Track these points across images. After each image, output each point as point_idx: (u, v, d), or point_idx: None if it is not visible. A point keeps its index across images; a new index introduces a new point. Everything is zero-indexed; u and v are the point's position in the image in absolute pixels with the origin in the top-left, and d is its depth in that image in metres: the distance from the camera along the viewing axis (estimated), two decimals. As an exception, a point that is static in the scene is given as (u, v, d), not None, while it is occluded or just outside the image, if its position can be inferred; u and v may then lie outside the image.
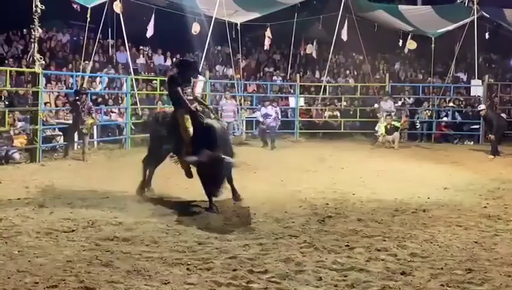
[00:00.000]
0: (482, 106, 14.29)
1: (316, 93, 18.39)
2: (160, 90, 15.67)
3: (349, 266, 4.51)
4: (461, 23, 18.27)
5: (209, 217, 6.27)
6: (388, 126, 15.03)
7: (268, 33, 18.32)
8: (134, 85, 14.86)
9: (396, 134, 14.95)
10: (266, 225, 5.96)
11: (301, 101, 17.94)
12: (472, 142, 16.41)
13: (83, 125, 11.35)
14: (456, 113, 17.56)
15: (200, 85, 16.78)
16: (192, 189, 7.83)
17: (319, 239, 5.33)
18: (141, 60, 18.33)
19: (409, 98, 18.25)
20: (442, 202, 7.39)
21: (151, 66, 18.57)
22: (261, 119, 14.81)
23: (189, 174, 7.05)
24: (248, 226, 5.88)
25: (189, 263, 4.54)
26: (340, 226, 5.92)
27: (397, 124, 15.15)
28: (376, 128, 15.68)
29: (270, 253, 4.85)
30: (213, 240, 5.27)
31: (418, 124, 17.47)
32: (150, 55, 18.99)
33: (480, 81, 17.77)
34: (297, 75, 18.58)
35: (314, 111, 17.99)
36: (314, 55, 19.92)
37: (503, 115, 15.65)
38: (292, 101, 17.93)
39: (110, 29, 17.29)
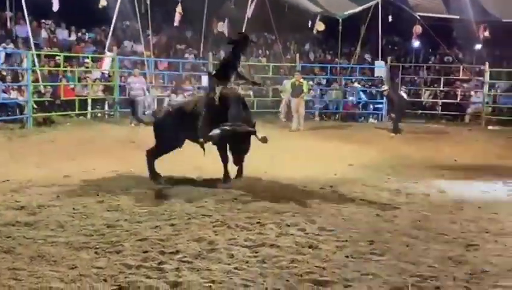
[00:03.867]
0: (385, 86, 15.11)
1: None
2: (64, 67, 14.93)
3: (260, 242, 4.61)
4: (366, 5, 19.04)
5: (119, 199, 6.11)
6: (296, 82, 14.85)
7: (179, 9, 17.95)
8: (36, 61, 14.01)
9: (302, 108, 14.79)
10: (178, 205, 5.92)
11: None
12: (376, 121, 17.30)
13: None
14: (361, 93, 18.41)
15: (107, 62, 16.18)
16: (100, 170, 7.63)
17: (231, 217, 5.39)
18: (43, 35, 17.25)
19: (319, 78, 18.81)
20: (348, 178, 7.75)
21: (54, 40, 17.54)
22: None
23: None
24: (160, 207, 5.81)
25: (97, 246, 4.41)
26: (252, 204, 6.02)
27: (305, 85, 15.04)
28: (280, 108, 15.93)
29: (182, 233, 4.83)
30: (122, 223, 5.15)
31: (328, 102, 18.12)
32: (52, 29, 17.90)
33: (383, 62, 18.71)
34: (210, 53, 18.44)
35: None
36: (226, 33, 19.82)
37: (404, 94, 16.61)
38: (205, 80, 17.76)
39: (8, 1, 16.12)
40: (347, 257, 4.32)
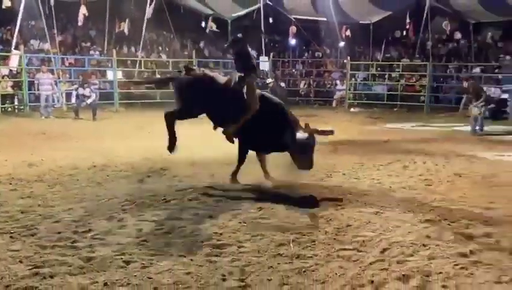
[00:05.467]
0: (269, 80, 15.58)
1: (133, 67, 17.72)
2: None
3: (166, 216, 4.56)
4: (251, 9, 19.35)
5: (31, 186, 5.68)
6: None
7: (83, 10, 16.85)
8: None
9: None
10: (89, 188, 5.65)
11: (119, 74, 17.08)
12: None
13: None
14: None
15: (15, 59, 14.87)
16: (12, 161, 7.05)
17: (139, 197, 5.24)
18: None
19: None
20: (249, 156, 7.82)
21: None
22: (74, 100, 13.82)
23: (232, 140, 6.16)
24: (71, 191, 5.49)
25: (12, 231, 4.07)
26: (158, 184, 5.91)
27: None
28: None
29: (94, 214, 4.61)
30: (36, 208, 4.80)
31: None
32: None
33: (267, 57, 19.15)
34: (114, 50, 17.59)
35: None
36: (126, 31, 19.01)
37: (283, 84, 17.23)
38: (110, 74, 16.97)
39: None
40: (240, 222, 4.42)
